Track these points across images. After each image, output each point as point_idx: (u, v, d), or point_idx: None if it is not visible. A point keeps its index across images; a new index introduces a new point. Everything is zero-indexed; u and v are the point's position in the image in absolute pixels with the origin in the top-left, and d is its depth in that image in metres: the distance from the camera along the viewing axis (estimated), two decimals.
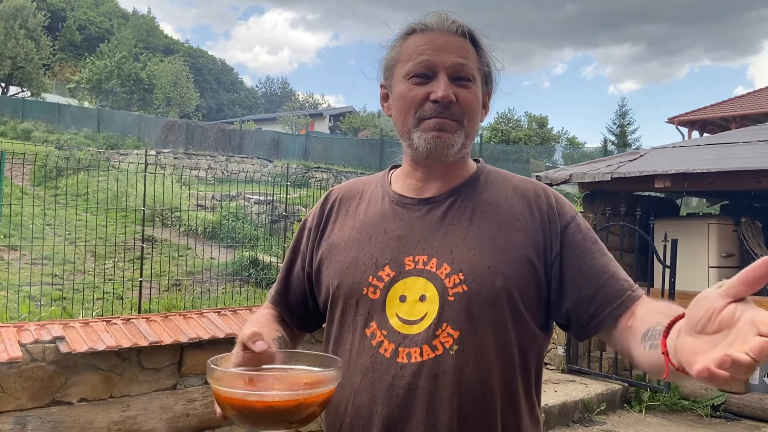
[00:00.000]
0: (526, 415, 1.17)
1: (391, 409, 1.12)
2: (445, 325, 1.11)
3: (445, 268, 1.14)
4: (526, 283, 1.14)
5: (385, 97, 1.28)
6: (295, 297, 1.34)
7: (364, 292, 1.17)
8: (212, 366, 0.93)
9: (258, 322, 1.25)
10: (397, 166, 1.34)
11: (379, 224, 1.23)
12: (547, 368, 6.36)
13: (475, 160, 1.30)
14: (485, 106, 1.26)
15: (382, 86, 1.28)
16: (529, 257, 1.15)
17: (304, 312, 1.34)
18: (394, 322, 1.14)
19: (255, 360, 1.00)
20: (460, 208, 1.20)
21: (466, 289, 1.12)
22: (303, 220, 1.39)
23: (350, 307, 1.19)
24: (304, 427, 0.97)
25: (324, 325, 1.30)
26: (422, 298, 1.13)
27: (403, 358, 1.12)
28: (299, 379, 0.92)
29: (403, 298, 1.15)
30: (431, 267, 1.15)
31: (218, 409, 0.97)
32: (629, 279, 1.17)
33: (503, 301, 1.12)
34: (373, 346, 1.15)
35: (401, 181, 1.28)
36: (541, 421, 1.23)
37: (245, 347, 1.01)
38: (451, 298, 1.12)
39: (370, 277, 1.17)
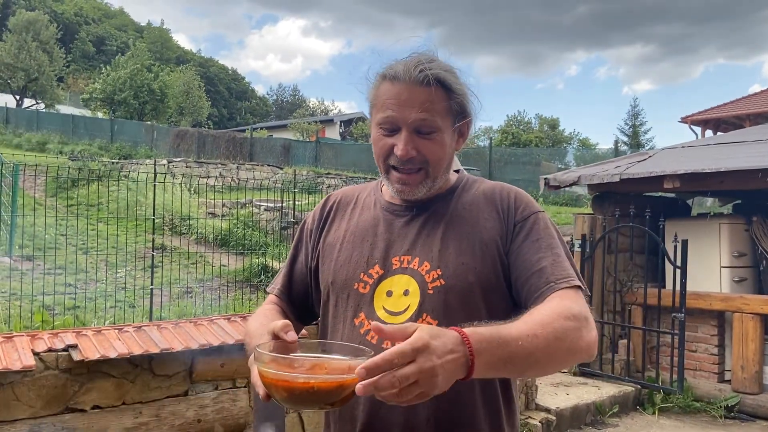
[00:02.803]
0: (504, 405, 1.30)
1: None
2: (425, 315, 1.25)
3: (426, 266, 1.29)
4: (495, 277, 1.28)
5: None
6: (298, 291, 1.48)
7: (355, 287, 1.32)
8: (260, 351, 1.01)
9: (266, 317, 1.36)
10: None
11: (372, 228, 1.39)
12: None
13: (456, 171, 1.45)
14: (462, 135, 1.37)
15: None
16: (495, 254, 1.29)
17: (305, 305, 1.48)
18: (380, 313, 1.28)
19: (285, 349, 1.08)
20: (440, 213, 1.35)
21: (443, 283, 1.27)
22: (303, 221, 1.54)
23: (342, 300, 1.34)
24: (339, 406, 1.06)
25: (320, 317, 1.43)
26: (406, 293, 1.28)
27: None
28: (344, 365, 1.00)
29: (389, 293, 1.30)
30: (414, 265, 1.30)
31: (261, 390, 1.04)
32: (561, 274, 1.23)
33: (476, 294, 1.27)
34: (361, 334, 1.28)
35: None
36: (518, 413, 1.36)
37: (275, 336, 1.10)
38: (431, 292, 1.27)
39: (362, 274, 1.33)
